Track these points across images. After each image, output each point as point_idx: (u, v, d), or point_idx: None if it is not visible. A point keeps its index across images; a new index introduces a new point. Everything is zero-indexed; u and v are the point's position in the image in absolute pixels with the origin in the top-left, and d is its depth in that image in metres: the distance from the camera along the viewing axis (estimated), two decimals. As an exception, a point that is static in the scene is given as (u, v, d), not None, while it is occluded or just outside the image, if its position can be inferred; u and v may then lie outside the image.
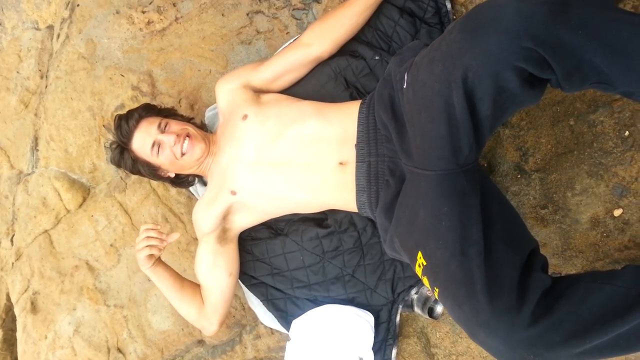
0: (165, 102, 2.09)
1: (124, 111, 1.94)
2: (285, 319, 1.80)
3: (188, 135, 1.64)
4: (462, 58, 1.06)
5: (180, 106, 2.07)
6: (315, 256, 1.76)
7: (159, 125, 1.65)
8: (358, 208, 1.56)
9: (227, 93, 1.74)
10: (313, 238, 1.75)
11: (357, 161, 1.50)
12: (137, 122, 1.67)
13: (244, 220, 1.74)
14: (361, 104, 1.55)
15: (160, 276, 1.71)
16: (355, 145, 1.51)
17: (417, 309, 1.67)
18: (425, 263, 1.25)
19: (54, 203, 2.34)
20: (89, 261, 2.27)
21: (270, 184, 1.60)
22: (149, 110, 1.73)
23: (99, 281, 2.26)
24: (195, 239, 2.08)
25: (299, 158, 1.54)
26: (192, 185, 1.86)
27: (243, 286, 1.88)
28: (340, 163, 1.52)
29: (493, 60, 1.02)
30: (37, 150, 2.39)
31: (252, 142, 1.61)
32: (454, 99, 1.10)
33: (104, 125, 2.18)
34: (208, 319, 1.74)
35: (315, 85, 1.71)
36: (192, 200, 2.08)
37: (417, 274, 1.32)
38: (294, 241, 1.78)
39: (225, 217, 1.71)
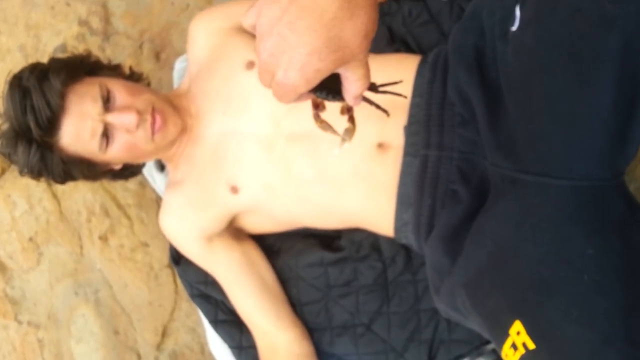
0: (122, 44, 1.51)
1: (63, 54, 1.32)
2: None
3: (154, 109, 1.02)
4: None
5: (142, 53, 1.50)
6: (316, 291, 1.17)
7: (102, 96, 1.00)
8: (396, 229, 0.97)
9: (213, 33, 1.14)
10: (315, 264, 1.16)
11: (406, 154, 0.91)
12: (62, 96, 0.96)
13: (253, 225, 1.17)
14: (420, 63, 0.95)
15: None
16: (405, 127, 0.91)
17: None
18: (531, 344, 0.68)
19: (-40, 172, 1.73)
20: (0, 257, 1.67)
21: (289, 172, 1.01)
22: (72, 70, 1.01)
23: (11, 286, 1.68)
24: (145, 244, 1.48)
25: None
26: (139, 173, 1.25)
27: (206, 322, 1.27)
28: (380, 145, 0.94)
29: None
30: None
31: (264, 103, 1.02)
32: None
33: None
34: (278, 329, 1.14)
35: None
36: (145, 187, 1.49)
37: (501, 357, 0.74)
38: (287, 264, 1.20)
39: (230, 221, 1.14)
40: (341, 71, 0.50)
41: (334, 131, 0.58)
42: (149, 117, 1.01)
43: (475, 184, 0.85)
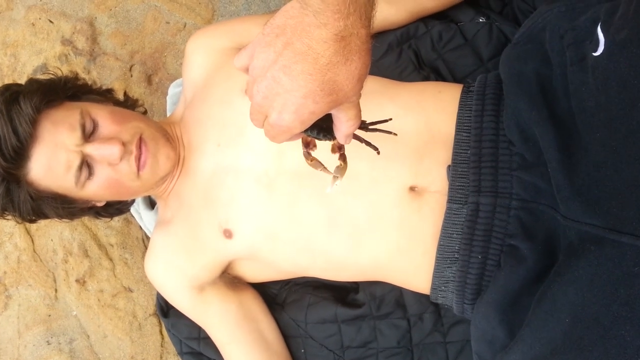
0: (110, 66, 1.36)
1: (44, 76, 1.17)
2: None
3: (141, 139, 0.89)
4: None
5: (132, 76, 1.35)
6: (328, 353, 1.02)
7: (81, 124, 0.86)
8: (433, 287, 0.82)
9: (212, 53, 1.01)
10: (328, 321, 1.01)
11: (451, 200, 0.77)
12: (33, 123, 0.83)
13: (252, 273, 1.03)
14: (463, 92, 0.82)
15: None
16: (449, 168, 0.77)
17: None
18: None
19: None
20: (-37, 299, 1.48)
21: (294, 216, 0.87)
22: (48, 93, 0.88)
23: (-27, 332, 1.47)
24: (128, 289, 1.32)
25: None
26: (127, 211, 1.09)
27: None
28: (412, 189, 0.81)
29: None
30: None
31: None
32: None
33: None
34: None
35: None
36: (130, 225, 1.33)
37: None
38: (293, 320, 1.04)
39: (225, 268, 1.00)
40: (333, 111, 0.50)
41: (324, 169, 0.59)
42: (134, 150, 0.87)
43: (541, 240, 0.71)
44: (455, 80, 0.96)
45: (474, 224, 0.76)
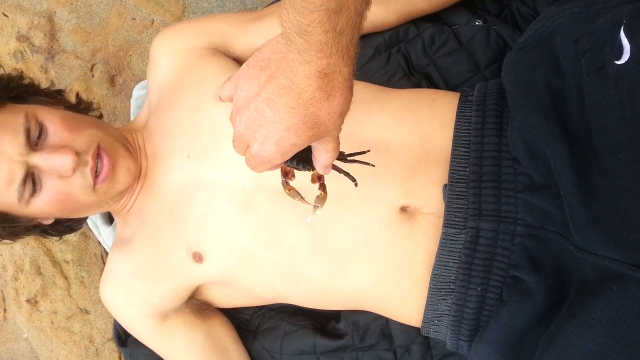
0: (70, 65, 1.26)
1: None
2: None
3: (99, 149, 0.79)
4: None
5: (93, 76, 1.26)
6: (305, 387, 0.91)
7: (26, 129, 0.76)
8: (425, 320, 0.73)
9: (181, 53, 0.91)
10: (305, 352, 0.91)
11: (447, 224, 0.68)
12: None
13: (223, 298, 0.93)
14: (460, 102, 0.74)
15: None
16: (445, 187, 0.69)
17: None
18: None
19: None
20: None
21: (273, 239, 0.79)
22: None
23: None
24: (84, 311, 1.21)
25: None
26: (79, 228, 0.97)
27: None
28: (404, 209, 0.73)
29: None
30: None
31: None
32: None
33: None
34: None
35: None
36: (88, 240, 1.22)
37: None
38: (267, 351, 0.95)
39: (192, 294, 0.90)
40: (313, 143, 0.52)
41: (302, 199, 0.60)
42: (90, 160, 0.77)
43: (549, 273, 0.62)
44: (448, 88, 0.88)
45: (473, 251, 0.67)
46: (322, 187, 0.60)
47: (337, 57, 0.44)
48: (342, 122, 0.49)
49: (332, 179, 0.61)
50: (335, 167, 0.58)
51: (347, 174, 0.61)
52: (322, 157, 0.53)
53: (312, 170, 0.57)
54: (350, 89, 0.48)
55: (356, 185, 0.61)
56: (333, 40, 0.43)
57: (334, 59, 0.44)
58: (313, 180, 0.60)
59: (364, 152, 0.60)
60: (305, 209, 0.66)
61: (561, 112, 0.62)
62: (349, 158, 0.59)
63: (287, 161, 0.55)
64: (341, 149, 0.55)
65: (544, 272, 0.63)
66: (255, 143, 0.50)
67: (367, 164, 0.60)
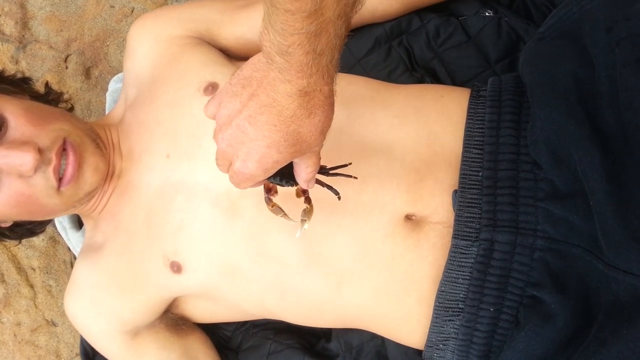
0: (42, 55, 1.19)
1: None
2: None
3: (65, 144, 0.72)
4: None
5: (67, 67, 1.17)
6: (290, 413, 0.82)
7: None
8: (427, 346, 0.66)
9: (161, 42, 0.83)
10: (291, 374, 0.82)
11: (457, 235, 0.61)
12: None
13: (202, 312, 0.85)
14: (471, 98, 0.66)
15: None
16: (455, 193, 0.61)
17: None
18: None
19: None
20: None
21: (260, 249, 0.71)
22: None
23: None
24: (51, 323, 1.12)
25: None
26: (41, 232, 0.89)
27: None
28: (409, 217, 0.66)
29: None
30: None
31: None
32: None
33: None
34: None
35: (348, 58, 0.84)
36: (57, 245, 1.13)
37: None
38: None
39: (167, 308, 0.83)
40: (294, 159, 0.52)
41: (285, 215, 0.60)
42: (53, 158, 0.68)
43: (573, 293, 0.54)
44: (454, 85, 0.80)
45: (487, 266, 0.59)
46: (308, 200, 0.60)
47: (318, 77, 0.45)
48: (324, 138, 0.50)
49: (329, 184, 0.61)
50: (318, 182, 0.59)
51: (330, 188, 0.61)
52: (303, 172, 0.54)
53: (295, 186, 0.58)
54: (332, 106, 0.48)
55: (339, 198, 0.60)
56: (313, 62, 0.43)
57: (314, 78, 0.44)
58: (298, 195, 0.60)
59: (345, 165, 0.60)
60: (296, 214, 0.61)
61: (590, 109, 0.54)
62: (331, 172, 0.60)
63: (269, 177, 0.56)
64: (323, 163, 0.56)
65: (568, 292, 0.55)
66: (238, 160, 0.50)
67: (350, 176, 0.60)
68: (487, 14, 0.80)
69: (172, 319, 0.83)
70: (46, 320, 1.13)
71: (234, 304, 0.77)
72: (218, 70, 0.76)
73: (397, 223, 0.64)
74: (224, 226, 0.70)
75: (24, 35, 1.20)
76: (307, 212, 0.60)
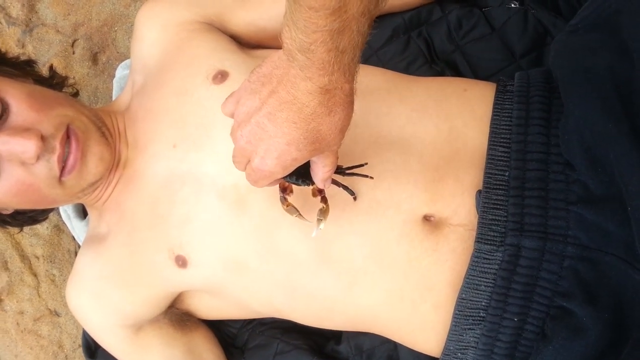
0: (49, 40, 1.18)
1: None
2: None
3: (69, 131, 0.69)
4: None
5: (74, 52, 1.14)
6: (297, 415, 0.80)
7: None
8: (445, 354, 0.64)
9: (170, 27, 0.80)
10: (299, 375, 0.79)
11: (480, 238, 0.58)
12: None
13: (207, 308, 0.83)
14: (497, 93, 0.63)
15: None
16: (479, 193, 0.58)
17: None
18: None
19: None
20: None
21: (269, 245, 0.68)
22: None
23: None
24: (54, 313, 1.10)
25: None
26: (44, 220, 0.87)
27: None
28: (427, 218, 0.63)
29: None
30: None
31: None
32: None
33: None
34: None
35: (364, 49, 0.79)
36: (61, 233, 1.12)
37: None
38: None
39: (172, 302, 0.81)
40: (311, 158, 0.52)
41: (300, 215, 0.60)
42: (57, 146, 0.66)
43: (606, 305, 0.51)
44: (476, 76, 0.77)
45: (512, 273, 0.56)
46: (324, 200, 0.60)
47: (339, 75, 0.45)
48: (343, 137, 0.50)
49: (342, 182, 0.61)
50: (334, 181, 0.59)
51: (346, 188, 0.60)
52: (320, 171, 0.53)
53: (311, 185, 0.57)
54: (351, 105, 0.48)
55: (355, 199, 0.60)
56: (335, 59, 0.43)
57: (335, 76, 0.44)
58: (314, 194, 0.60)
59: (361, 165, 0.60)
60: (308, 210, 0.61)
61: (629, 106, 0.51)
62: (347, 172, 0.60)
63: (286, 177, 0.56)
64: (340, 163, 0.55)
65: (600, 304, 0.52)
66: (257, 157, 0.50)
67: (366, 176, 0.60)
68: (513, 5, 0.76)
69: (177, 315, 0.81)
70: (49, 309, 1.11)
71: (241, 301, 0.74)
72: (227, 58, 0.74)
73: (414, 224, 0.61)
74: (231, 220, 0.68)
75: (30, 19, 1.17)
76: (324, 212, 0.59)
